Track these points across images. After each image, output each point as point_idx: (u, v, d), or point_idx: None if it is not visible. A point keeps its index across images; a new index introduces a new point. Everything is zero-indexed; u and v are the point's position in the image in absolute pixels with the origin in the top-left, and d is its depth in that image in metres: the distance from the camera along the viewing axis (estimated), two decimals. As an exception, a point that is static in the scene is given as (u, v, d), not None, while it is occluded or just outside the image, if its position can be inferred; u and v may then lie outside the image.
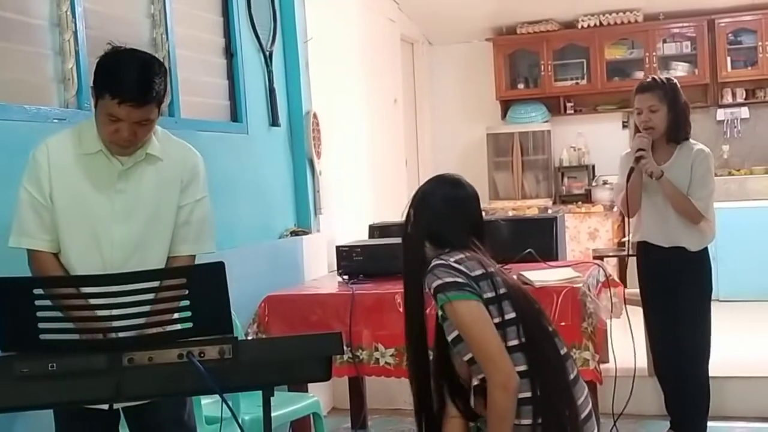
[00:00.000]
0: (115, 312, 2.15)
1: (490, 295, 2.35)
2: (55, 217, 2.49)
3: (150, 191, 2.56)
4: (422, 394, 2.55)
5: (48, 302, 2.05)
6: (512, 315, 2.36)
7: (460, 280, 2.33)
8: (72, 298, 2.22)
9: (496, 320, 2.34)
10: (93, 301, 2.22)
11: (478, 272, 2.37)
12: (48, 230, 2.49)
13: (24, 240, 2.50)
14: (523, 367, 2.33)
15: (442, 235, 2.48)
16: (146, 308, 2.11)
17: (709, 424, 4.03)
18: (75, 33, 3.32)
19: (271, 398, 2.15)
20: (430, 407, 2.54)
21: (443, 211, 2.50)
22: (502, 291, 2.37)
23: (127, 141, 2.45)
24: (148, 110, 2.42)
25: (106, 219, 2.51)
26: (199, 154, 2.71)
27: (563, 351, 2.45)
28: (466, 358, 2.40)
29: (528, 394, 2.32)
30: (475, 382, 2.46)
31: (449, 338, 2.41)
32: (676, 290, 3.91)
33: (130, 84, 2.37)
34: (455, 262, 2.37)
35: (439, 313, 2.40)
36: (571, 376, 2.42)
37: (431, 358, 2.56)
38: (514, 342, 2.34)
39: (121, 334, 2.11)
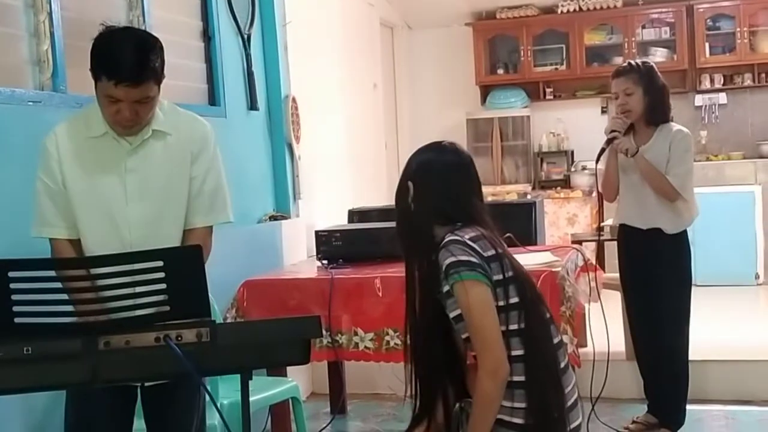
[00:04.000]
0: (91, 295, 2.13)
1: (498, 277, 2.34)
2: (70, 204, 2.49)
3: (160, 167, 2.55)
4: (427, 373, 2.48)
5: (23, 285, 2.03)
6: (516, 300, 2.35)
7: (473, 259, 2.30)
8: (49, 281, 2.19)
9: (501, 303, 2.33)
10: (70, 285, 2.20)
11: (490, 253, 2.35)
12: (66, 217, 2.50)
13: (44, 230, 2.51)
14: (520, 352, 2.33)
15: (451, 208, 2.41)
16: (123, 291, 2.09)
17: (687, 407, 4.07)
18: (50, 14, 3.27)
19: (250, 382, 2.14)
20: (434, 387, 2.51)
21: (449, 180, 2.43)
22: (509, 274, 2.36)
23: (129, 121, 2.44)
24: (146, 88, 2.40)
25: (121, 200, 2.51)
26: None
27: (557, 339, 2.45)
28: (465, 336, 2.39)
29: (523, 378, 2.32)
30: (470, 360, 2.46)
31: (451, 315, 2.38)
32: (655, 274, 3.94)
33: (124, 64, 2.35)
34: (470, 239, 2.34)
35: (446, 288, 2.36)
36: (562, 365, 2.42)
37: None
38: (515, 326, 2.34)
39: (97, 318, 2.09)
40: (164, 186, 2.55)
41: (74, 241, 2.52)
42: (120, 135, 2.49)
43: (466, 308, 2.31)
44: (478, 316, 2.30)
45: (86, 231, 2.51)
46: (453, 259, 2.31)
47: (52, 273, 2.14)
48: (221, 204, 2.68)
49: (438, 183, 2.43)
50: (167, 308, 2.08)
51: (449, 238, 2.35)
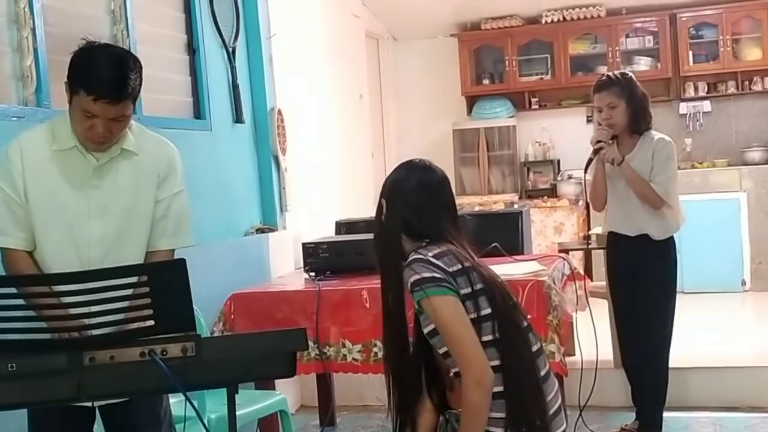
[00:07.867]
0: (75, 311, 2.12)
1: (466, 291, 2.34)
2: (29, 215, 2.46)
3: (126, 186, 2.53)
4: (401, 386, 2.52)
5: (5, 301, 2.02)
6: (488, 311, 2.36)
7: (437, 275, 2.32)
8: (31, 297, 2.18)
9: (472, 316, 2.33)
10: (53, 301, 2.19)
11: (456, 268, 2.36)
12: (23, 228, 2.46)
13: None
14: (496, 362, 2.33)
15: (418, 225, 2.45)
16: (107, 306, 2.08)
17: (673, 414, 4.09)
18: (33, 30, 3.27)
19: (237, 396, 2.14)
20: (409, 400, 2.52)
21: (418, 198, 2.47)
22: (478, 286, 2.36)
23: (102, 137, 2.43)
24: (124, 106, 2.40)
25: (82, 216, 2.48)
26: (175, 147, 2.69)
27: (536, 347, 2.45)
28: (442, 351, 2.40)
29: (501, 388, 2.32)
30: (450, 374, 2.46)
31: (425, 331, 2.40)
32: (641, 279, 3.98)
33: (105, 81, 2.35)
34: (433, 256, 2.35)
35: (416, 307, 2.39)
36: (542, 372, 2.42)
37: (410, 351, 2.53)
38: (489, 337, 2.34)
39: (81, 333, 2.08)
40: (128, 205, 2.53)
41: (29, 252, 2.48)
42: (88, 150, 2.48)
43: (438, 322, 2.33)
44: (452, 328, 2.31)
45: (43, 244, 2.48)
46: (417, 277, 2.33)
47: (35, 289, 2.14)
48: (186, 228, 2.68)
49: (406, 200, 2.47)
50: (152, 323, 2.07)
51: (412, 257, 2.37)
